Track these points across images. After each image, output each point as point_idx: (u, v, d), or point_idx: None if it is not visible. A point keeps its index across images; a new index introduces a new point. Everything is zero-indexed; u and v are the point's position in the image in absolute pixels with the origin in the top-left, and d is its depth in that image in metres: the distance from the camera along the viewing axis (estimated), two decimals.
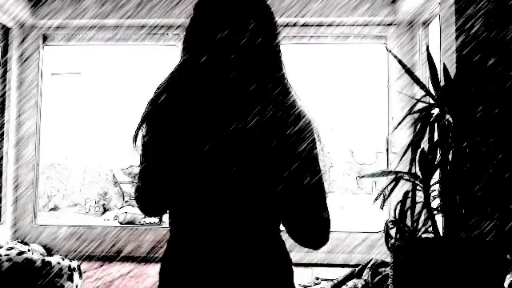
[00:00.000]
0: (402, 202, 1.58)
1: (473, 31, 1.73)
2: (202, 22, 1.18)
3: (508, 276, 1.49)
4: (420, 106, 1.63)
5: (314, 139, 1.21)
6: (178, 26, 2.71)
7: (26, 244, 2.54)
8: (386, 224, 1.65)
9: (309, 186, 1.17)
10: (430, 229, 1.55)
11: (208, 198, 1.17)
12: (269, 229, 1.22)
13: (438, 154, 1.53)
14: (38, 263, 2.23)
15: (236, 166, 1.15)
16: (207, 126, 1.17)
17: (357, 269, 2.32)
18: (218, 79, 1.18)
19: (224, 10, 1.17)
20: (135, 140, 1.24)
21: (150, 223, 8.17)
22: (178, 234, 1.23)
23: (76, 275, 2.30)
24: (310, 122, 1.22)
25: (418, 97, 1.79)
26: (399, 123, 1.69)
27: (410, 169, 1.56)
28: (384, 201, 1.67)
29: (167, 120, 1.21)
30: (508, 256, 1.44)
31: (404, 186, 1.66)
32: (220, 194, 1.16)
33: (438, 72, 1.62)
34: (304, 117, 1.22)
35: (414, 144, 1.54)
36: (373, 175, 1.76)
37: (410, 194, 1.57)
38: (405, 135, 2.42)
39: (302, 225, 1.18)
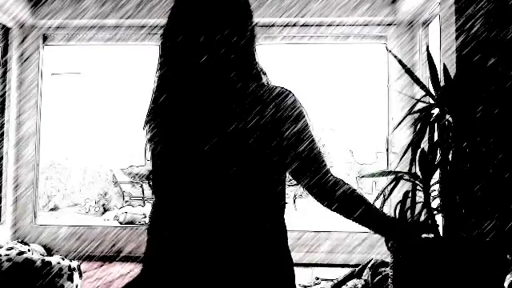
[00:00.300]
0: (402, 202, 1.58)
1: (473, 31, 1.73)
2: (190, 19, 1.18)
3: (508, 276, 1.49)
4: (420, 106, 1.63)
5: (308, 133, 1.22)
6: None
7: (26, 244, 2.54)
8: None
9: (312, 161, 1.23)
10: None
11: (208, 199, 1.17)
12: (269, 229, 1.22)
13: (438, 154, 1.53)
14: (38, 263, 2.23)
15: (235, 166, 1.14)
16: (203, 126, 1.17)
17: (357, 269, 2.32)
18: (211, 79, 1.18)
19: (212, 7, 1.17)
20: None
21: None
22: (177, 236, 1.22)
23: (76, 275, 2.30)
24: (305, 114, 1.23)
25: (418, 97, 1.79)
26: (399, 123, 1.69)
27: (410, 169, 1.56)
28: (384, 201, 1.67)
29: (165, 121, 1.21)
30: (508, 256, 1.44)
31: (404, 186, 1.66)
32: (219, 194, 1.16)
33: (438, 72, 1.62)
34: (303, 116, 1.22)
35: (414, 144, 1.54)
36: (373, 175, 1.76)
37: (410, 194, 1.57)
38: (405, 135, 2.42)
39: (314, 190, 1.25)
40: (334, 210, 1.27)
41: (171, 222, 1.22)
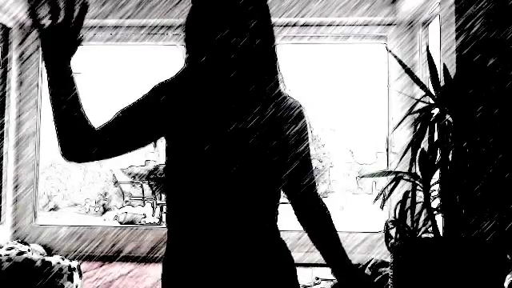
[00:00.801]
0: (402, 201, 1.58)
1: (473, 31, 1.73)
2: (201, 20, 1.18)
3: (508, 276, 1.48)
4: (420, 106, 1.63)
5: (307, 136, 1.24)
6: (178, 26, 2.71)
7: (26, 244, 2.54)
8: (386, 224, 1.65)
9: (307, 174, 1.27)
10: (430, 229, 1.55)
11: (209, 199, 1.17)
12: (269, 229, 1.22)
13: (438, 154, 1.53)
14: (38, 263, 2.23)
15: (236, 165, 1.15)
16: (208, 125, 1.17)
17: None
18: (219, 79, 1.18)
19: (224, 9, 1.16)
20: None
21: (150, 223, 8.17)
22: (180, 236, 1.22)
23: (76, 275, 2.30)
24: (306, 120, 1.24)
25: (418, 97, 1.79)
26: (399, 123, 1.69)
27: (410, 169, 1.56)
28: (384, 201, 1.67)
29: (171, 118, 1.21)
30: (508, 256, 1.44)
31: (404, 186, 1.66)
32: (221, 194, 1.16)
33: (438, 72, 1.62)
34: (303, 116, 1.24)
35: (414, 144, 1.54)
36: (373, 175, 1.76)
37: (410, 194, 1.57)
38: (405, 135, 2.41)
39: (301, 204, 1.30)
40: (306, 226, 1.31)
41: (179, 219, 1.22)
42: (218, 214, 1.16)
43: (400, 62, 1.67)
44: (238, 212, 1.17)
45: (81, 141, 1.14)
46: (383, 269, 2.22)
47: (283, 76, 1.25)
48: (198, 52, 1.18)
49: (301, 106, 1.25)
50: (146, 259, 2.62)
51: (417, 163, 1.55)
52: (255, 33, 1.16)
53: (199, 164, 1.16)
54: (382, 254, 2.44)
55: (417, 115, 1.61)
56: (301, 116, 1.24)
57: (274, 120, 1.18)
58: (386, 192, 1.63)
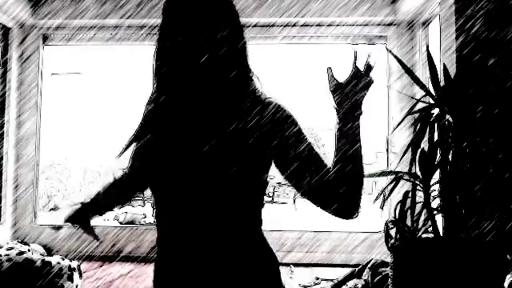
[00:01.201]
0: (402, 201, 1.58)
1: (473, 31, 1.73)
2: (173, 25, 1.18)
3: (508, 276, 1.49)
4: (420, 106, 1.63)
5: (297, 127, 1.19)
6: None
7: (26, 244, 2.54)
8: (386, 224, 1.65)
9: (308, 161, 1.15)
10: (430, 229, 1.56)
11: (194, 201, 1.17)
12: (254, 230, 1.23)
13: (438, 154, 1.53)
14: (38, 263, 2.23)
15: (234, 166, 1.15)
16: (202, 126, 1.18)
17: (357, 269, 2.32)
18: (208, 79, 1.18)
19: (195, 13, 1.17)
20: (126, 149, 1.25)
21: (150, 223, 8.17)
22: (166, 236, 1.23)
23: (76, 275, 2.30)
24: (287, 111, 1.20)
25: (418, 97, 1.79)
26: (399, 123, 1.69)
27: (410, 169, 1.56)
28: (384, 201, 1.67)
29: (165, 122, 1.21)
30: (508, 256, 1.44)
31: (404, 186, 1.66)
32: (205, 197, 1.16)
33: (438, 72, 1.62)
34: (282, 112, 1.20)
35: (414, 144, 1.54)
36: (373, 175, 1.76)
37: (410, 194, 1.57)
38: (405, 135, 2.41)
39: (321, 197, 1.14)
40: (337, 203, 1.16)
41: (169, 222, 1.23)
42: (203, 217, 1.17)
43: (400, 61, 1.67)
44: (220, 218, 1.17)
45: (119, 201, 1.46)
46: (383, 269, 2.22)
47: (257, 75, 1.24)
48: (179, 54, 1.18)
49: (278, 103, 1.21)
50: (146, 259, 2.62)
51: (417, 163, 1.55)
52: (230, 33, 1.16)
53: (182, 170, 1.16)
54: (382, 253, 2.45)
55: (417, 115, 1.61)
56: (279, 112, 1.19)
57: (253, 124, 1.17)
58: (386, 192, 1.63)
